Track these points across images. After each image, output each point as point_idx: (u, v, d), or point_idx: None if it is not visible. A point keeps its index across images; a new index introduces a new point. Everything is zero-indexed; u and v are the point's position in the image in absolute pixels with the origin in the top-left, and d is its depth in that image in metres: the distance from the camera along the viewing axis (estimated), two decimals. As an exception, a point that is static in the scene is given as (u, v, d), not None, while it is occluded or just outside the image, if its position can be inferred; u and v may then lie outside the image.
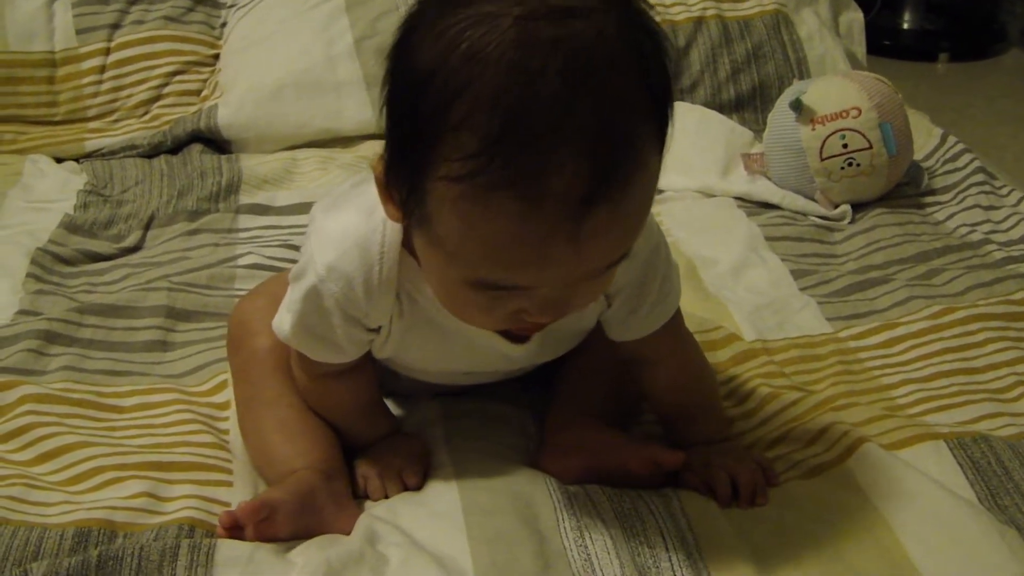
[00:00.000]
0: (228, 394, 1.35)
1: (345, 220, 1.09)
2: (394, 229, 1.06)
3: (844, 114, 1.83)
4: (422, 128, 0.89)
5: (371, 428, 1.25)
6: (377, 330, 1.14)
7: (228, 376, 1.36)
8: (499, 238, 0.88)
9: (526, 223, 0.87)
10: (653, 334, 1.18)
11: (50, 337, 1.45)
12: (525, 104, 0.85)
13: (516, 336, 1.10)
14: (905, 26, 3.98)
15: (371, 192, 1.04)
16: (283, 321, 1.14)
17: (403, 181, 0.94)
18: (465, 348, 1.16)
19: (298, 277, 1.11)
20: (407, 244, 1.06)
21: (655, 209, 1.11)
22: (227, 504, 1.17)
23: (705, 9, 2.33)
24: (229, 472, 1.23)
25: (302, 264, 1.11)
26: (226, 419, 1.32)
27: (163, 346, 1.47)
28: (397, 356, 1.20)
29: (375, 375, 1.24)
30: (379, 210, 1.04)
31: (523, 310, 0.97)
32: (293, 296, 1.12)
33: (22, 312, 1.52)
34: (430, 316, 1.12)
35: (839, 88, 1.87)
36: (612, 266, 0.96)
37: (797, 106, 1.84)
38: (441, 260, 0.96)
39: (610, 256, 0.94)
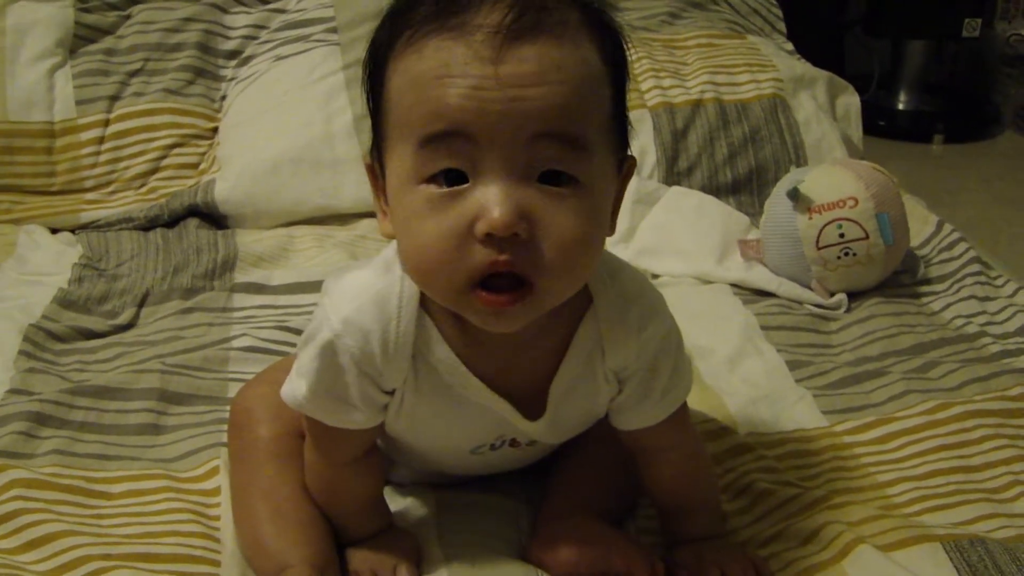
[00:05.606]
0: (219, 480, 1.33)
1: (362, 276, 1.10)
2: (412, 285, 1.06)
3: (841, 204, 1.83)
4: (379, 40, 1.02)
5: (369, 522, 1.23)
6: (391, 393, 1.13)
7: (220, 462, 1.35)
8: (430, 73, 0.95)
9: (452, 52, 0.95)
10: (660, 423, 1.18)
11: (41, 419, 1.43)
12: None
13: (528, 411, 1.13)
14: (900, 107, 4.01)
15: (387, 252, 1.08)
16: (296, 386, 1.12)
17: (371, 104, 1.04)
18: (476, 418, 1.15)
19: (311, 338, 1.10)
20: (423, 303, 1.07)
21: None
22: (213, 599, 1.16)
23: (703, 92, 2.35)
24: (216, 564, 1.21)
25: (314, 325, 1.10)
26: (216, 506, 1.30)
27: (155, 430, 1.46)
28: (408, 431, 1.18)
29: (383, 466, 1.23)
30: (396, 267, 1.06)
31: (477, 214, 0.95)
32: (306, 358, 1.11)
33: (13, 391, 1.51)
34: (444, 381, 1.11)
35: (836, 178, 1.87)
36: (552, 140, 0.96)
37: (795, 195, 1.84)
38: (396, 158, 0.99)
39: (537, 108, 0.94)
